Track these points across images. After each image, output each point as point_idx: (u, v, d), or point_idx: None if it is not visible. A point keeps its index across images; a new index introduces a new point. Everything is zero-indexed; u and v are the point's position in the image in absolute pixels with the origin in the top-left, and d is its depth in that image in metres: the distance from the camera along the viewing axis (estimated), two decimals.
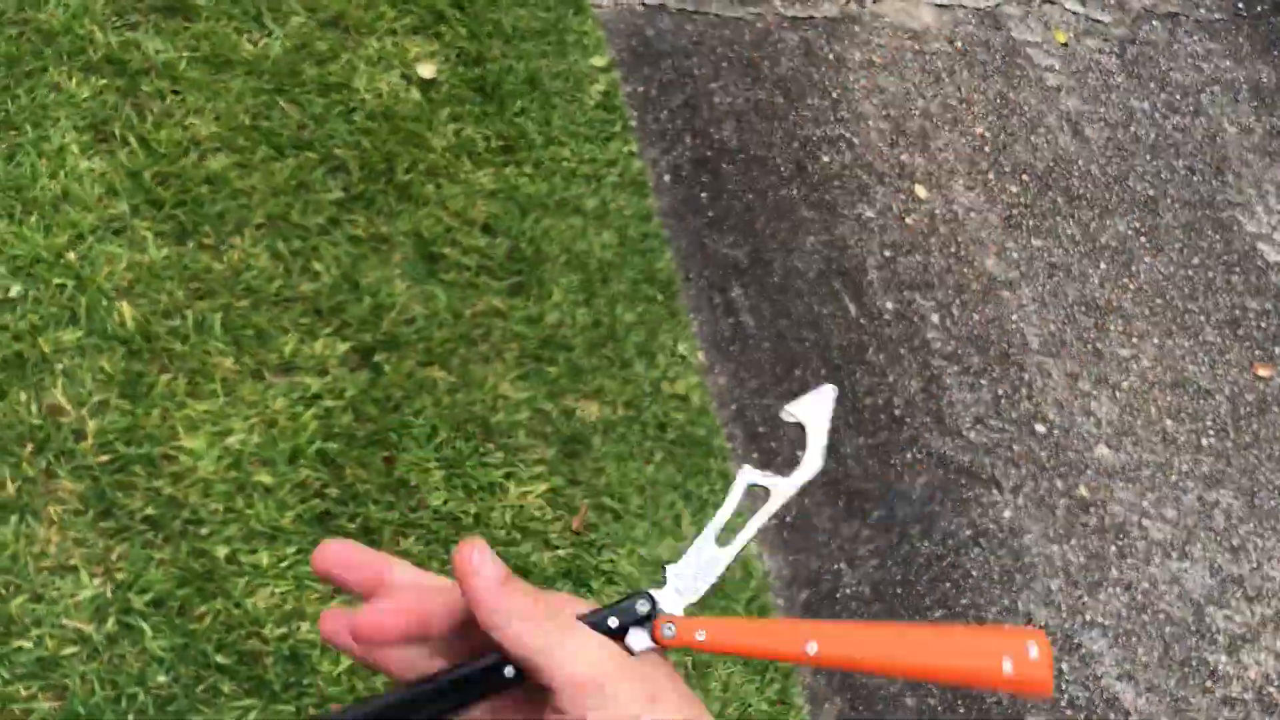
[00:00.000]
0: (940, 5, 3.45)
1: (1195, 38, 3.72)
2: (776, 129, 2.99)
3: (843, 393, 2.61)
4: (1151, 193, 3.27)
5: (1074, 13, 3.62)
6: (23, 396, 1.91)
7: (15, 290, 2.00)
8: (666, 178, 2.80)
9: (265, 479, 1.96)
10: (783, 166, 2.93)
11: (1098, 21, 3.64)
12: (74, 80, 2.26)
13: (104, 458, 1.90)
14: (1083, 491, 2.66)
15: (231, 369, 2.05)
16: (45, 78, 2.24)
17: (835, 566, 2.37)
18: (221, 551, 1.87)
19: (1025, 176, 3.17)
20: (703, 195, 2.80)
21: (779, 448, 2.48)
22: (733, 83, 3.04)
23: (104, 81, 2.28)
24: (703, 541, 0.59)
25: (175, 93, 2.33)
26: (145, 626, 1.78)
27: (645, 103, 2.90)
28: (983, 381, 2.75)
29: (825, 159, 2.99)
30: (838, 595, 2.34)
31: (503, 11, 2.74)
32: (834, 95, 3.12)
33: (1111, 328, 2.96)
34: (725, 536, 0.59)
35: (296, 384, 2.08)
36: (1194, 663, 2.49)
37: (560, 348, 2.31)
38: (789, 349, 2.64)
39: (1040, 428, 2.73)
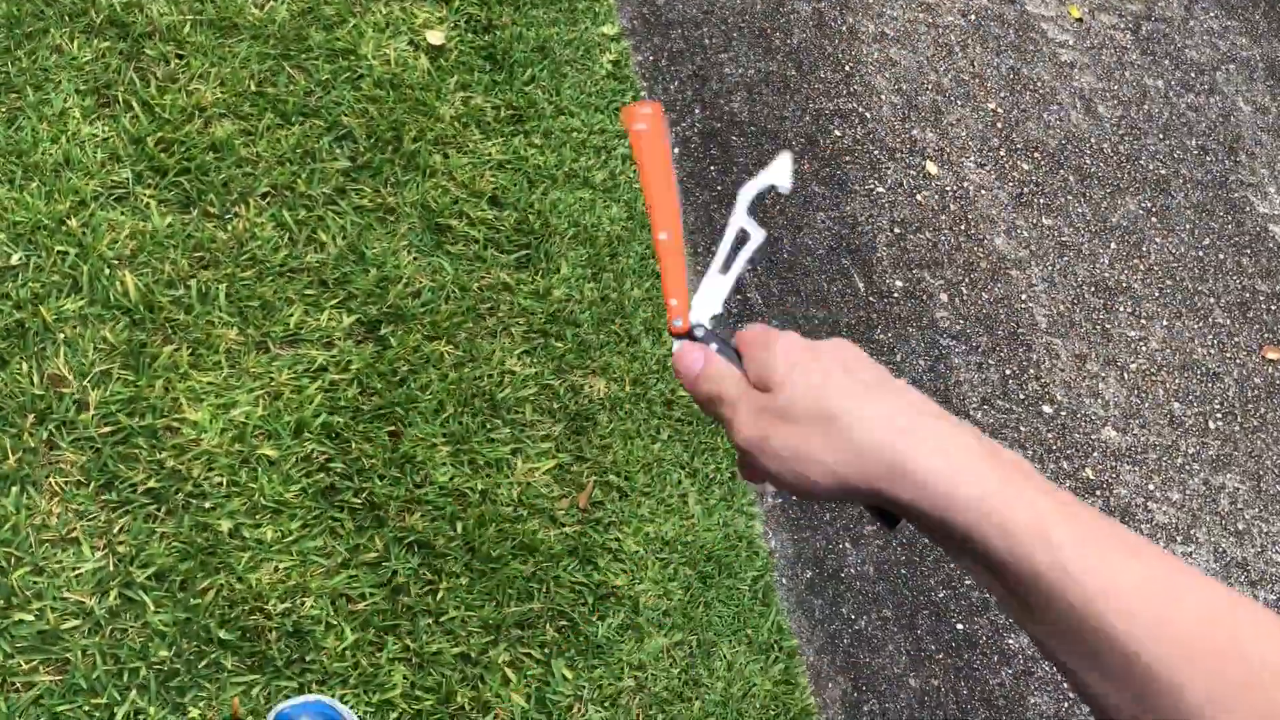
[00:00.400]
0: None
1: (1211, 14, 3.67)
2: (788, 102, 2.95)
3: None
4: (1163, 172, 3.24)
5: None
6: (24, 366, 1.88)
7: (16, 258, 1.97)
8: (676, 150, 2.76)
9: (269, 452, 1.94)
10: (793, 140, 2.89)
11: None
12: (75, 43, 2.22)
13: (106, 429, 1.88)
14: (1089, 474, 2.65)
15: (236, 340, 2.02)
16: (46, 40, 2.20)
17: (840, 546, 2.36)
18: (225, 525, 1.85)
19: (1037, 154, 3.14)
20: (712, 169, 2.76)
21: None
22: (743, 54, 2.99)
23: (106, 44, 2.24)
24: (711, 273, 0.77)
25: (179, 57, 2.29)
26: (147, 600, 1.77)
27: (655, 73, 2.86)
28: (990, 361, 2.73)
29: (837, 133, 2.95)
30: (842, 574, 2.33)
31: None
32: (846, 68, 3.08)
33: (1120, 309, 2.94)
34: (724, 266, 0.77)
35: (301, 356, 2.06)
36: None
37: (568, 323, 2.29)
38: (796, 326, 2.61)
39: (1047, 409, 2.71)
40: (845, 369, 0.67)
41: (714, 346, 0.73)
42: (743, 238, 0.76)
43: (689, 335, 0.75)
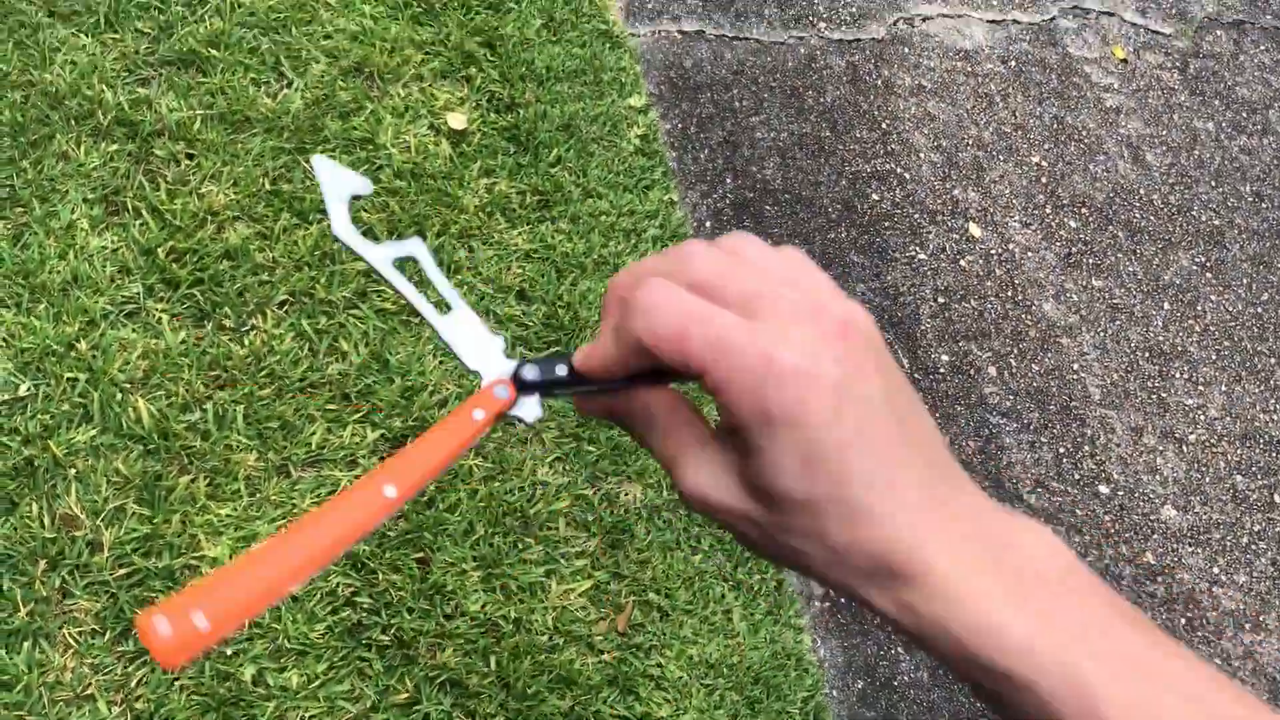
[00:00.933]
0: (992, 21, 3.27)
1: (1262, 48, 3.52)
2: (823, 165, 2.83)
3: None
4: (1217, 223, 3.10)
5: (1133, 24, 3.43)
6: (34, 508, 1.79)
7: (24, 388, 1.88)
8: (708, 223, 2.65)
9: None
10: (830, 207, 2.77)
11: (1158, 33, 3.44)
12: (83, 148, 2.12)
13: (121, 571, 1.79)
14: (1149, 558, 2.52)
15: (255, 466, 1.93)
16: (52, 146, 2.10)
17: (892, 651, 2.24)
18: (248, 672, 1.76)
19: (1084, 210, 3.00)
20: None
21: None
22: (775, 115, 2.87)
23: (114, 147, 2.15)
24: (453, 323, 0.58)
25: (190, 156, 2.19)
26: None
27: (684, 141, 2.74)
28: (1043, 439, 2.61)
29: (875, 197, 2.83)
30: (895, 683, 2.21)
31: (535, 51, 2.58)
32: (883, 126, 2.96)
33: (1176, 375, 2.81)
34: (443, 308, 0.59)
35: (324, 478, 1.96)
36: None
37: (600, 425, 2.18)
38: None
39: (1104, 489, 2.58)
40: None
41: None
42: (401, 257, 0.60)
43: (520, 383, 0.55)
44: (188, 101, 2.25)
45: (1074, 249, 2.92)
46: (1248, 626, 2.49)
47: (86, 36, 2.25)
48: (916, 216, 2.83)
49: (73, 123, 2.15)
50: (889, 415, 0.46)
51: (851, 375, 0.45)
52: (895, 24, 3.15)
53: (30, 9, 2.23)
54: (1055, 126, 3.13)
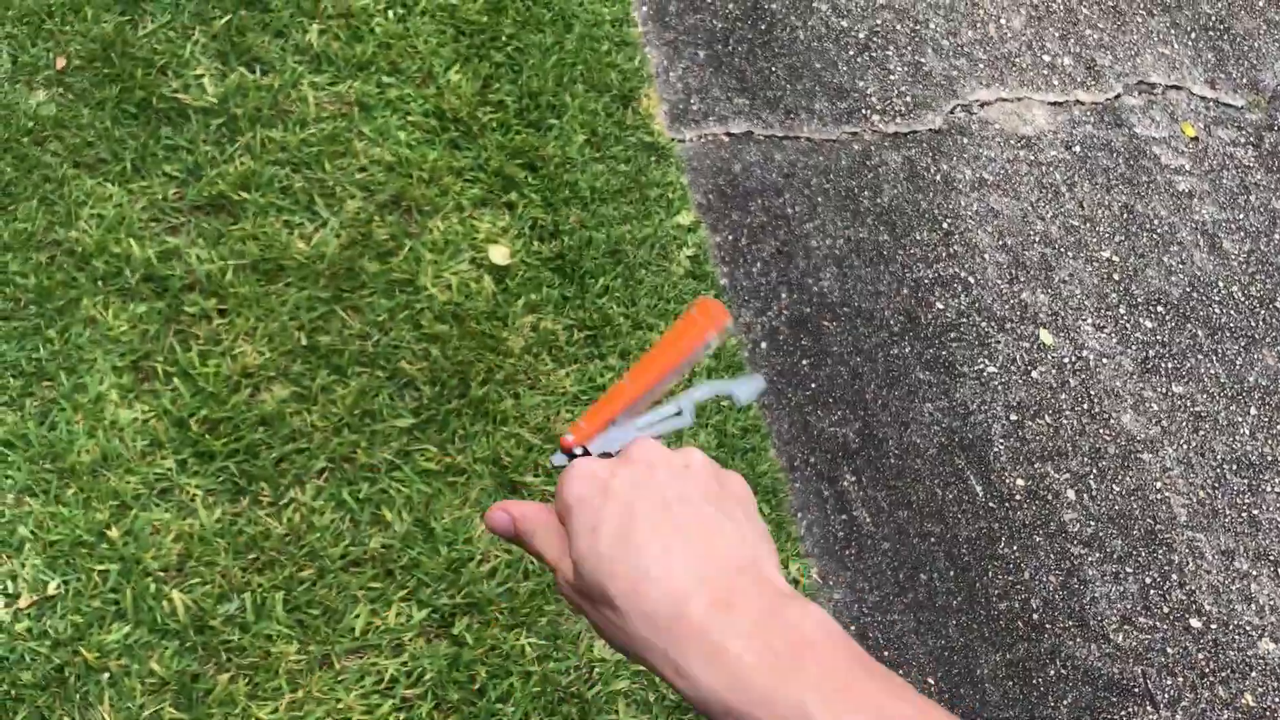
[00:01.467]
0: (1054, 103, 3.11)
1: None
2: (882, 273, 2.69)
3: (975, 597, 2.32)
4: None
5: (1202, 98, 3.26)
6: None
7: (54, 585, 1.78)
8: (763, 344, 2.51)
9: None
10: (892, 319, 2.63)
11: (1229, 106, 3.27)
12: (111, 310, 2.03)
13: None
14: (1248, 700, 2.35)
15: (295, 659, 1.81)
16: (79, 312, 2.01)
17: None
18: None
19: (1160, 307, 2.84)
20: (804, 363, 2.51)
21: (902, 676, 2.20)
22: (830, 220, 2.73)
23: (143, 307, 2.05)
24: (626, 423, 0.71)
25: (222, 312, 2.09)
26: None
27: (735, 255, 2.61)
28: (1128, 569, 2.44)
29: (939, 305, 2.68)
30: None
31: (579, 170, 2.46)
32: (944, 226, 2.81)
33: (1267, 488, 2.63)
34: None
35: (369, 667, 1.84)
36: None
37: None
38: (911, 547, 2.35)
39: (1195, 623, 2.42)
40: (639, 511, 0.60)
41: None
42: (676, 412, 0.73)
43: (571, 455, 0.70)
44: (218, 250, 2.14)
45: (1151, 352, 2.76)
46: None
47: (113, 185, 2.16)
48: (984, 325, 2.68)
49: (100, 283, 2.05)
50: (657, 527, 0.60)
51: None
52: (953, 112, 3.00)
53: (55, 161, 2.14)
54: (1125, 216, 2.96)
